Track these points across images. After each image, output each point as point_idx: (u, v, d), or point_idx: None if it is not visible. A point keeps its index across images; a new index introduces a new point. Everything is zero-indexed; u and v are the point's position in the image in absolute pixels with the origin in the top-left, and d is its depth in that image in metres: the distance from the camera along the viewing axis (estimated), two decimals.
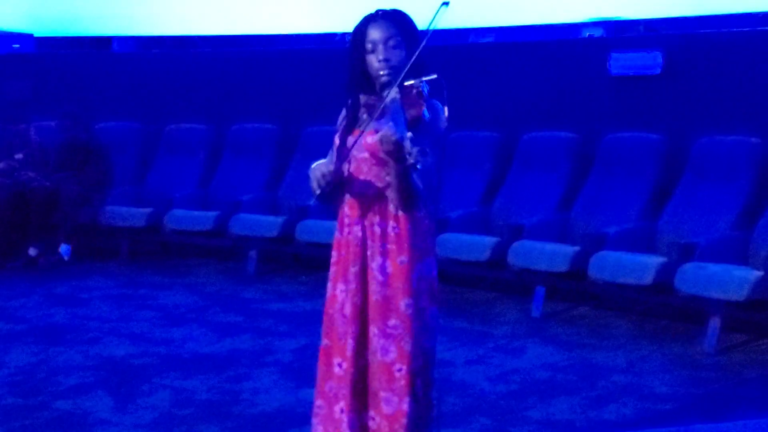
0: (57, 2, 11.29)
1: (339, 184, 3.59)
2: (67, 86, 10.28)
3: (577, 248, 6.93)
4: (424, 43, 3.46)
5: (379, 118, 3.38)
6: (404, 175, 3.36)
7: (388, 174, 3.47)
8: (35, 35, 11.11)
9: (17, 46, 10.92)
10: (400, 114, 3.35)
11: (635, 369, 5.95)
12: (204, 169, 9.69)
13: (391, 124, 3.27)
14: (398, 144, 3.20)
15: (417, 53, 3.43)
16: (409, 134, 3.21)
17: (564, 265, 6.88)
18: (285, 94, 9.46)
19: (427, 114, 3.45)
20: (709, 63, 7.60)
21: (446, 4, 3.50)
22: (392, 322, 3.56)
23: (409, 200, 3.50)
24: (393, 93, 3.42)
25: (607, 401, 5.40)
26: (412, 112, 3.42)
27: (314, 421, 3.75)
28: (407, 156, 3.20)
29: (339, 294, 3.71)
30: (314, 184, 3.48)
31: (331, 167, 3.51)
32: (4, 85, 10.37)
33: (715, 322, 6.21)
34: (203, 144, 9.82)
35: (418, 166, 3.22)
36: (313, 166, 3.52)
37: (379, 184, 3.55)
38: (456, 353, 6.10)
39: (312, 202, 3.62)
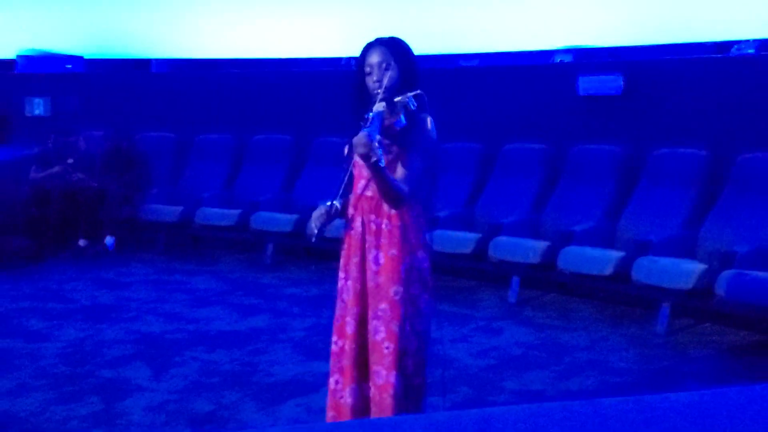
0: (104, 28, 11.28)
1: (343, 212, 3.74)
2: (112, 101, 10.27)
3: (547, 243, 6.95)
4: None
5: (365, 127, 3.40)
6: (376, 172, 3.41)
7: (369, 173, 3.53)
8: (85, 57, 11.09)
9: (69, 66, 10.91)
10: (377, 123, 3.41)
11: (596, 347, 5.97)
12: (229, 173, 9.70)
13: (364, 130, 3.33)
14: (367, 145, 3.27)
15: (396, 77, 3.56)
16: (378, 136, 3.28)
17: (536, 258, 6.90)
18: (298, 109, 9.47)
19: (402, 121, 3.52)
20: (663, 85, 7.61)
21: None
22: (383, 306, 3.61)
23: (389, 197, 3.55)
24: (379, 106, 3.49)
25: (572, 374, 5.43)
26: (390, 121, 3.52)
27: (327, 390, 3.86)
28: (371, 154, 3.28)
29: (340, 283, 3.79)
30: (313, 228, 3.64)
31: (323, 213, 3.63)
32: (58, 101, 10.37)
33: (665, 308, 6.24)
34: (228, 152, 9.83)
35: (381, 163, 3.32)
36: (313, 214, 3.67)
37: (369, 184, 3.62)
38: (443, 332, 6.07)
39: (313, 239, 3.71)
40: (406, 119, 3.54)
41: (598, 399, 2.26)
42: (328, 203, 3.64)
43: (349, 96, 3.72)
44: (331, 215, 3.64)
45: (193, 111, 10.09)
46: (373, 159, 3.31)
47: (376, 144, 3.29)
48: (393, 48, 3.65)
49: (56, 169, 9.12)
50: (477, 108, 8.48)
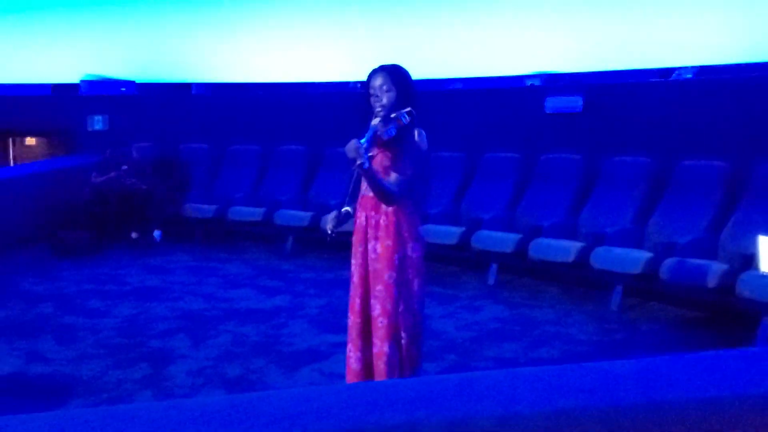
0: (152, 57, 11.28)
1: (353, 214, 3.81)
2: (159, 118, 10.26)
3: (520, 236, 6.95)
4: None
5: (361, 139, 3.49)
6: (364, 174, 3.49)
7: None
8: (136, 81, 11.09)
9: (124, 89, 10.92)
10: (369, 134, 3.49)
11: (561, 322, 5.97)
12: (255, 177, 9.70)
13: (356, 139, 3.41)
14: (354, 151, 3.37)
15: (394, 99, 3.62)
16: (365, 144, 3.40)
17: (511, 248, 6.90)
18: (313, 124, 9.47)
19: (391, 131, 3.58)
20: (616, 104, 7.60)
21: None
22: (379, 287, 3.68)
23: (380, 195, 3.61)
24: (376, 121, 3.59)
25: (541, 345, 5.43)
26: (381, 131, 3.56)
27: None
28: (357, 158, 3.37)
29: (352, 267, 3.84)
30: (327, 229, 3.78)
31: (334, 216, 3.76)
32: (114, 118, 10.37)
33: (618, 289, 6.25)
34: (255, 160, 9.83)
35: (365, 166, 3.39)
36: (327, 217, 3.83)
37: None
38: (433, 310, 6.11)
39: (328, 239, 3.82)
40: (396, 131, 3.59)
41: (563, 365, 2.25)
42: (343, 210, 3.74)
43: (360, 111, 3.78)
44: (341, 220, 3.75)
45: (226, 126, 10.10)
46: (359, 162, 3.38)
47: (363, 150, 3.37)
48: (392, 73, 3.69)
49: (113, 174, 9.11)
50: (462, 123, 8.47)
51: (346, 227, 3.86)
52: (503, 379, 2.12)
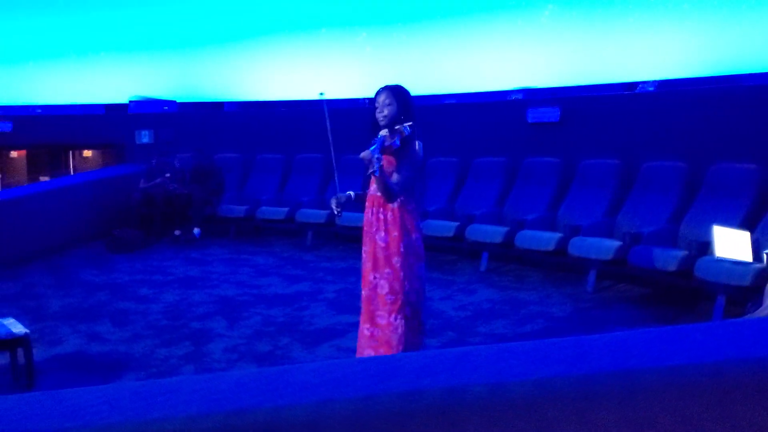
0: (190, 80, 11.29)
1: (359, 199, 3.93)
2: (197, 132, 10.27)
3: (507, 228, 6.92)
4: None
5: (371, 147, 3.64)
6: (374, 178, 3.67)
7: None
8: (177, 101, 11.11)
9: (166, 107, 10.93)
10: (379, 143, 3.63)
11: (544, 302, 5.95)
12: (279, 181, 9.66)
13: (369, 149, 3.59)
14: (368, 159, 3.56)
15: (394, 112, 3.76)
16: (377, 155, 3.44)
17: (499, 239, 6.87)
18: (327, 135, 9.45)
19: (396, 142, 3.73)
20: (588, 114, 7.58)
21: (322, 94, 3.87)
22: (387, 270, 3.82)
23: (385, 194, 3.76)
24: (383, 132, 3.75)
25: (526, 322, 5.42)
26: (387, 142, 3.71)
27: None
28: (369, 166, 3.55)
29: (363, 254, 3.93)
30: (333, 208, 3.88)
31: (341, 196, 3.89)
32: (158, 132, 10.38)
33: (593, 273, 6.23)
34: (279, 166, 9.80)
35: (376, 174, 3.55)
36: (333, 198, 3.91)
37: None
38: (434, 293, 6.11)
39: (337, 220, 3.97)
40: (400, 142, 3.74)
41: (545, 340, 2.25)
42: (348, 193, 3.91)
43: (368, 123, 3.93)
44: (342, 201, 3.88)
45: (254, 137, 10.10)
46: (371, 170, 3.56)
47: (375, 159, 3.52)
48: (394, 91, 3.85)
49: (158, 180, 9.13)
50: (455, 132, 8.46)
51: (354, 223, 3.91)
52: (495, 353, 2.12)
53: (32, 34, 11.90)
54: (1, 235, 7.37)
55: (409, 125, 3.75)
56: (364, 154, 3.60)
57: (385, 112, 3.79)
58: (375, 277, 3.83)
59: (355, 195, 3.95)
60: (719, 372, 1.97)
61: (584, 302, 5.93)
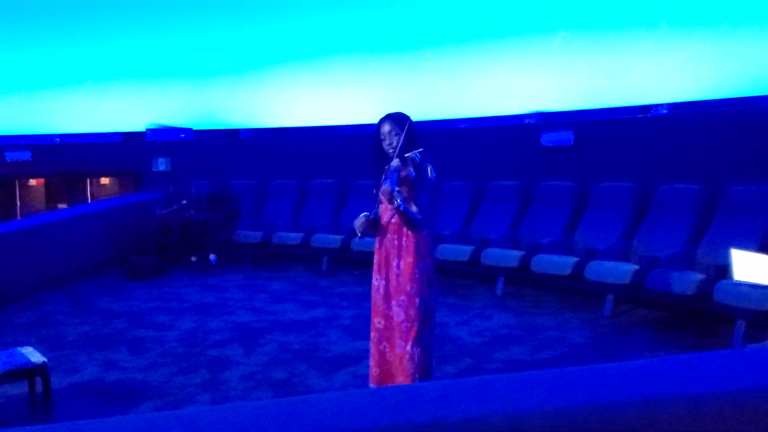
0: (205, 108, 11.38)
1: (374, 223, 3.86)
2: (213, 159, 10.34)
3: (523, 252, 6.88)
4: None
5: (386, 178, 3.65)
6: (398, 211, 3.67)
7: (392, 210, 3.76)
8: (193, 128, 11.20)
9: (183, 135, 11.02)
10: (395, 174, 3.64)
11: (561, 327, 5.90)
12: (294, 207, 9.70)
13: (387, 181, 3.58)
14: (389, 193, 3.54)
15: (401, 140, 3.74)
16: (397, 188, 3.47)
17: (515, 263, 6.83)
18: (341, 161, 9.50)
19: (412, 173, 3.75)
20: (602, 137, 7.57)
21: None
22: (402, 297, 3.82)
23: (409, 224, 3.77)
24: (395, 162, 3.73)
25: (544, 347, 5.36)
26: (403, 173, 3.73)
27: (370, 357, 4.01)
28: (393, 201, 3.54)
29: (375, 281, 3.94)
30: (356, 229, 3.79)
31: (362, 218, 3.80)
32: (175, 160, 10.45)
33: (610, 298, 6.17)
34: (293, 192, 9.84)
35: (401, 208, 3.58)
36: (356, 221, 3.83)
37: (394, 215, 3.80)
38: (450, 318, 6.07)
39: (356, 239, 3.92)
40: (414, 171, 3.75)
41: (565, 368, 2.22)
42: (368, 214, 3.82)
43: (371, 153, 3.94)
44: (368, 221, 3.80)
45: (269, 164, 10.16)
46: (395, 204, 3.56)
47: (396, 193, 3.54)
48: (397, 120, 3.85)
49: (174, 207, 9.18)
50: (469, 156, 8.47)
51: (368, 248, 3.91)
52: (513, 382, 2.09)
53: (50, 64, 12.06)
54: (20, 262, 7.42)
55: (419, 152, 3.75)
56: (383, 191, 3.56)
57: (394, 142, 3.77)
58: (390, 306, 3.80)
59: (371, 217, 3.89)
60: (741, 400, 1.94)
61: (602, 327, 5.87)
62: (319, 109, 10.63)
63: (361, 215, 3.81)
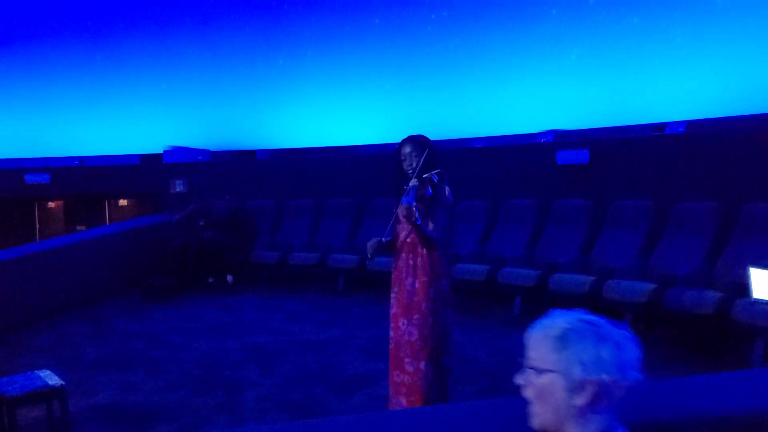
0: (222, 129, 11.47)
1: (388, 246, 3.87)
2: (230, 180, 10.37)
3: (540, 271, 6.85)
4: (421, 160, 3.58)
5: (404, 197, 3.69)
6: (415, 227, 3.71)
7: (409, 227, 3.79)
8: (210, 150, 11.28)
9: (200, 157, 11.09)
10: (413, 194, 3.69)
11: None
12: (311, 227, 9.67)
13: (405, 199, 3.63)
14: (408, 210, 3.57)
15: (421, 162, 3.79)
16: (415, 205, 3.58)
17: (532, 282, 6.80)
18: (358, 180, 9.50)
19: (429, 191, 3.80)
20: (618, 156, 7.53)
21: None
22: (416, 316, 3.82)
23: (425, 242, 3.80)
24: (414, 182, 3.79)
25: None
26: (421, 192, 3.77)
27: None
28: (411, 217, 3.57)
29: (392, 299, 3.94)
30: (368, 252, 3.83)
31: (374, 242, 3.83)
32: (192, 181, 10.50)
33: (628, 317, 6.11)
34: (310, 212, 9.80)
35: (418, 222, 3.62)
36: (369, 243, 3.85)
37: (410, 234, 3.83)
38: (467, 338, 6.04)
39: (368, 262, 3.92)
40: (432, 190, 3.79)
41: None
42: (381, 239, 3.85)
43: (391, 173, 3.97)
44: (381, 245, 3.84)
45: (286, 184, 10.17)
46: (413, 219, 3.59)
47: (414, 209, 3.57)
48: (418, 142, 3.89)
49: (185, 211, 9.21)
50: (485, 175, 8.45)
51: (384, 268, 3.90)
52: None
53: (68, 87, 12.21)
54: (38, 285, 7.47)
55: (436, 173, 3.80)
56: (401, 208, 3.60)
57: (414, 163, 3.81)
58: (404, 324, 3.80)
59: (388, 241, 3.92)
60: (761, 422, 1.90)
61: None
62: (335, 129, 10.68)
63: (374, 239, 3.84)
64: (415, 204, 3.59)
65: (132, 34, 12.00)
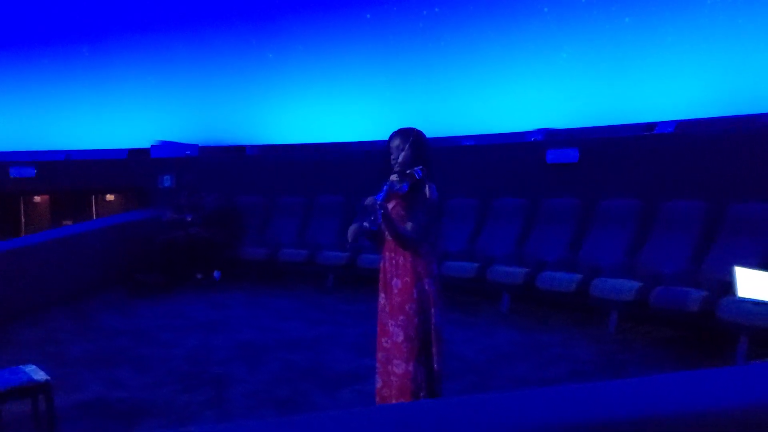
0: (211, 124, 11.45)
1: (375, 235, 3.73)
2: (218, 175, 10.35)
3: (528, 269, 6.90)
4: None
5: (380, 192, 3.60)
6: (385, 225, 3.58)
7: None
8: (199, 145, 11.25)
9: (188, 152, 11.06)
10: (384, 190, 3.56)
11: (566, 344, 5.90)
12: (300, 224, 9.67)
13: (372, 196, 3.53)
14: (370, 206, 3.51)
15: (403, 154, 3.68)
16: (380, 203, 3.47)
17: (520, 280, 6.85)
18: (347, 177, 9.50)
19: (404, 188, 3.65)
20: (607, 155, 7.58)
21: None
22: (401, 317, 3.69)
23: (398, 240, 3.67)
24: (393, 177, 3.69)
25: (549, 365, 5.36)
26: (398, 188, 3.65)
27: (376, 375, 3.86)
28: (371, 216, 3.49)
29: (381, 299, 3.84)
30: (348, 236, 3.79)
31: (356, 227, 3.70)
32: (180, 177, 10.48)
33: (614, 314, 6.17)
34: (300, 209, 9.82)
35: (374, 228, 3.50)
36: (351, 228, 3.77)
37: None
38: (455, 335, 6.06)
39: (348, 246, 3.87)
40: (408, 186, 3.65)
41: (567, 385, 2.22)
42: (363, 223, 3.64)
43: (383, 167, 3.84)
44: (364, 231, 3.63)
45: (275, 180, 10.17)
46: (372, 218, 3.48)
47: (377, 207, 3.46)
48: (406, 135, 3.76)
49: (178, 217, 9.19)
50: (474, 173, 8.49)
51: (374, 265, 3.85)
52: (516, 400, 2.09)
53: (55, 81, 12.15)
54: (24, 280, 7.44)
55: (420, 168, 3.64)
56: (368, 201, 3.52)
57: (400, 157, 3.70)
58: (391, 325, 3.74)
59: (368, 227, 3.65)
60: (744, 418, 1.93)
61: (607, 344, 5.86)
62: (325, 125, 10.68)
63: (355, 224, 3.72)
64: (380, 202, 3.46)
65: (119, 28, 11.96)
